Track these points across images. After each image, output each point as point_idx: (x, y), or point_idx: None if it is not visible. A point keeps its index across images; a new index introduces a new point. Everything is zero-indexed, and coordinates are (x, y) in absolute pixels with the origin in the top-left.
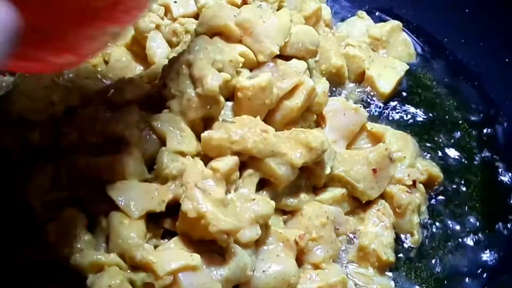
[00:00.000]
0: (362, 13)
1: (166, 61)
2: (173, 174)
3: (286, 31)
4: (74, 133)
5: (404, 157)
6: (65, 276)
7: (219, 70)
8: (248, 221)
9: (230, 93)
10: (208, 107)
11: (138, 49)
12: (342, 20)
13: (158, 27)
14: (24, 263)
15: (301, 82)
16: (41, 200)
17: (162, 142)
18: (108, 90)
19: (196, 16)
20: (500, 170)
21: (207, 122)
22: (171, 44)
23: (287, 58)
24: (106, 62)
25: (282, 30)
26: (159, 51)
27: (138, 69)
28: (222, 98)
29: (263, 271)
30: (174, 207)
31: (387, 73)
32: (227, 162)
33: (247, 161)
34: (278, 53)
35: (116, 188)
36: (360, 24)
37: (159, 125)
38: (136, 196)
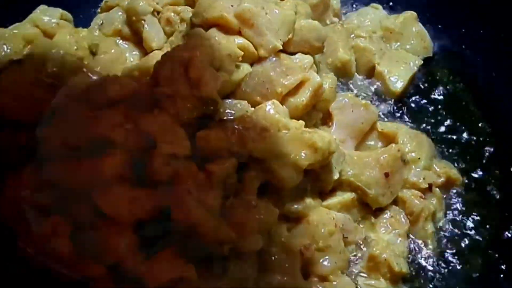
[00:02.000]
0: (377, 5)
1: (160, 52)
2: (165, 178)
3: (291, 25)
4: (56, 135)
5: (419, 158)
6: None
7: (217, 68)
8: (249, 230)
9: (229, 90)
10: (204, 108)
11: (129, 34)
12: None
13: (153, 12)
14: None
15: (307, 79)
16: (17, 207)
17: (153, 144)
18: (93, 88)
19: (190, 4)
20: None
21: (203, 121)
22: (166, 34)
23: (291, 52)
24: (94, 54)
25: (286, 23)
26: (157, 37)
27: (129, 61)
28: (220, 99)
29: (266, 283)
30: (167, 212)
31: (399, 69)
32: (224, 164)
33: (247, 163)
34: (281, 48)
35: (102, 194)
36: (373, 15)
37: (149, 126)
38: (124, 203)
